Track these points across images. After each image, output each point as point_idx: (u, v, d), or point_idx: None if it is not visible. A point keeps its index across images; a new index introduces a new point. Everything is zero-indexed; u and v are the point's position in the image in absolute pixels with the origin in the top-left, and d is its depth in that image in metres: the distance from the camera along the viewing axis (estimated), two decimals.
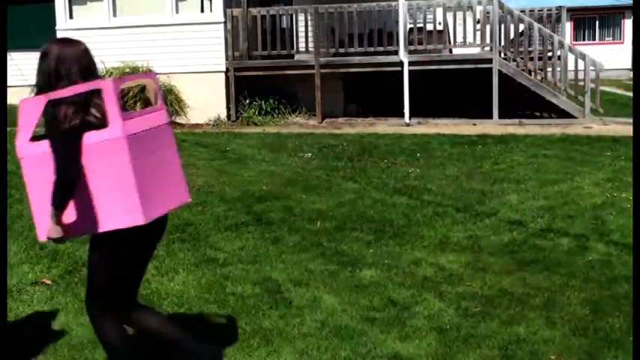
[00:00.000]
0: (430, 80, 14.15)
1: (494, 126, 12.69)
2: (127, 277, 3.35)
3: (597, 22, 28.65)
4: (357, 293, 4.76)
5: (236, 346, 3.97)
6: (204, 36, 13.49)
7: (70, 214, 3.11)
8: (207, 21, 13.55)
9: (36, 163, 3.13)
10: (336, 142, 10.94)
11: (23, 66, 15.77)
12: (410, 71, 13.14)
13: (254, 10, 13.74)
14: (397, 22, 13.55)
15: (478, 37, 13.55)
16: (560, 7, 15.81)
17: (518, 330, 4.18)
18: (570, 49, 13.35)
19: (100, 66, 13.33)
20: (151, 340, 3.55)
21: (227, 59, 13.51)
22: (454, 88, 14.74)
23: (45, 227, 3.11)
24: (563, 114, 13.26)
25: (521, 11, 14.00)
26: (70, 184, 3.01)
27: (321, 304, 4.56)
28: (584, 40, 28.42)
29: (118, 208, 3.09)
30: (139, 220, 3.10)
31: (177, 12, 13.64)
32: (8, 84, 14.11)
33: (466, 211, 6.83)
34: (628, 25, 28.12)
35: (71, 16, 14.01)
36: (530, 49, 13.40)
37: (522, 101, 14.40)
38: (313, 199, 7.31)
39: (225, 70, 13.54)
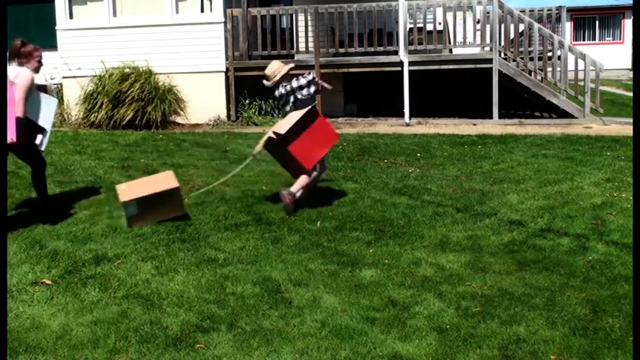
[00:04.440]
0: (430, 80, 14.16)
1: (494, 126, 12.69)
2: None
3: (597, 22, 28.68)
4: (357, 293, 4.76)
5: (236, 346, 3.97)
6: (204, 36, 13.50)
7: None
8: (207, 21, 13.55)
9: None
10: (336, 142, 10.90)
11: None
12: (410, 71, 13.15)
13: (254, 10, 13.74)
14: (397, 22, 13.56)
15: (478, 37, 13.54)
16: (560, 7, 15.80)
17: (518, 330, 4.18)
18: (570, 49, 13.35)
19: (100, 65, 13.30)
20: None
21: (227, 59, 13.51)
22: (454, 88, 14.75)
23: None
24: (563, 114, 13.26)
25: (521, 11, 14.00)
26: None
27: (321, 304, 4.55)
28: (584, 40, 28.46)
29: None
30: None
31: (177, 12, 13.65)
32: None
33: (466, 211, 6.83)
34: (628, 25, 28.16)
35: (71, 16, 14.02)
36: (530, 49, 13.40)
37: (522, 101, 14.41)
38: (313, 199, 7.30)
39: (225, 70, 13.54)
